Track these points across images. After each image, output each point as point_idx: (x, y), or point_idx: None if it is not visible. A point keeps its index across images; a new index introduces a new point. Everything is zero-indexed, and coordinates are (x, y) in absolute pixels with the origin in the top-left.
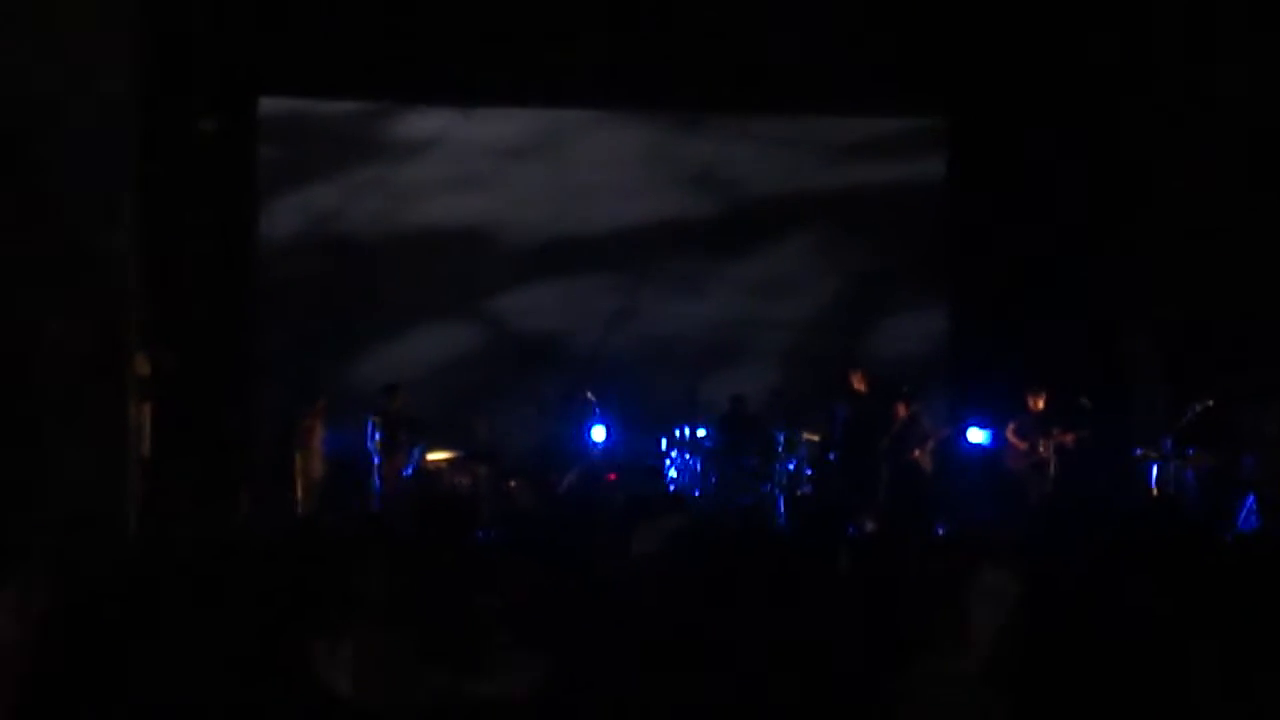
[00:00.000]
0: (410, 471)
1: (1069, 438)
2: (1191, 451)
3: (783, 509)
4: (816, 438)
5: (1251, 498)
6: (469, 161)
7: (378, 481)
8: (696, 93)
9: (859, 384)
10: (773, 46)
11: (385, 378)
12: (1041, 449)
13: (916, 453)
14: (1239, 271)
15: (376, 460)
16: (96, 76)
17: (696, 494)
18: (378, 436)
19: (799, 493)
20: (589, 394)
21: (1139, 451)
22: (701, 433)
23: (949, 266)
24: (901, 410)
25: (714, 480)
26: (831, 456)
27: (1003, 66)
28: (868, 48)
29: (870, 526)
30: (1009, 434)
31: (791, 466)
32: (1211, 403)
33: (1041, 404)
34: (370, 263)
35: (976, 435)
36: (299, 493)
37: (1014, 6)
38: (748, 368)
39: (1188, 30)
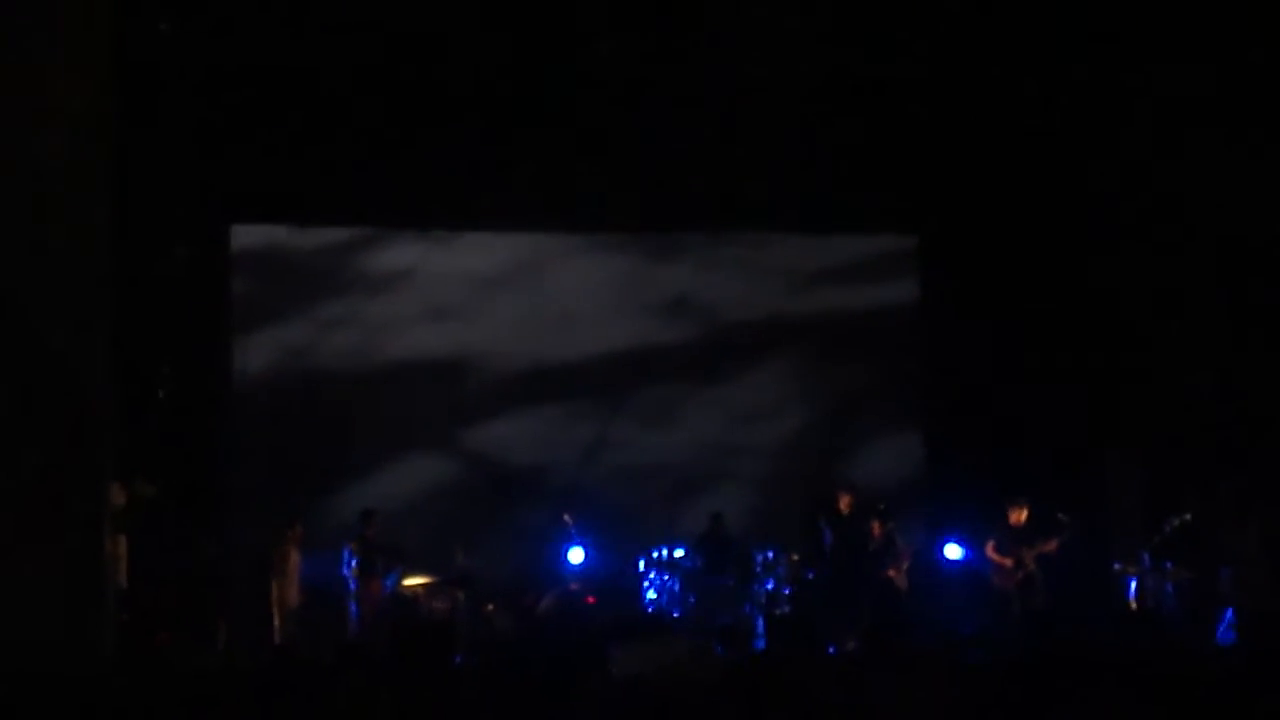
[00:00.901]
0: (387, 597)
1: (1052, 545)
2: (1170, 565)
3: (762, 629)
4: (796, 557)
5: (1229, 611)
6: (443, 293)
7: (354, 608)
8: (668, 215)
9: (845, 505)
10: (742, 167)
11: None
12: (1027, 562)
13: (892, 572)
14: (1212, 389)
15: (353, 587)
16: (70, 207)
17: (675, 614)
18: (354, 563)
19: (778, 612)
20: (566, 516)
21: (1118, 565)
22: (680, 553)
23: (922, 387)
24: (877, 529)
25: (693, 600)
26: (810, 575)
27: (972, 188)
28: (839, 167)
29: (851, 645)
30: (989, 552)
31: (770, 586)
32: (1189, 517)
33: (1025, 516)
34: (346, 395)
35: (954, 551)
36: (276, 621)
37: (986, 131)
38: (726, 493)
39: (1158, 154)
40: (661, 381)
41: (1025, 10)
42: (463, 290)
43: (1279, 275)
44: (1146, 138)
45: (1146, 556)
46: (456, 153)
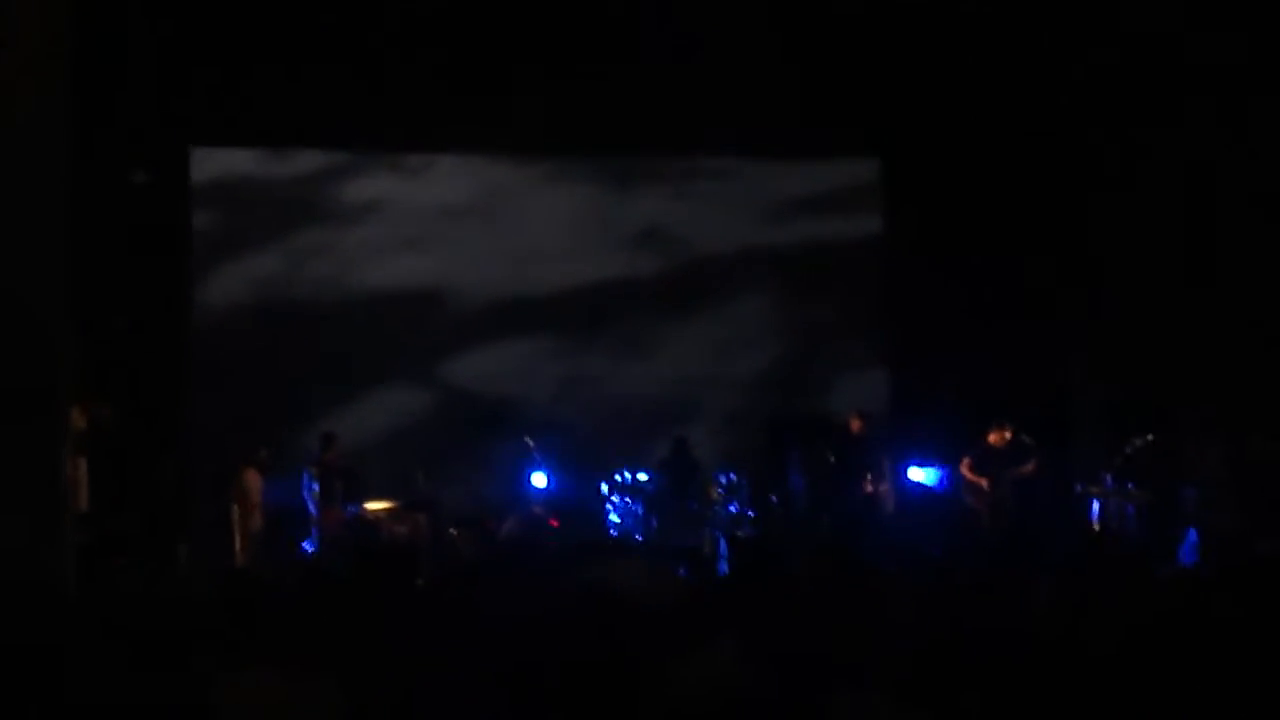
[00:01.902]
0: (348, 521)
1: (1030, 467)
2: (1132, 486)
3: (725, 551)
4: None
5: (1193, 532)
6: (411, 224)
7: (315, 532)
8: (633, 140)
9: (856, 427)
10: (706, 89)
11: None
12: (1003, 483)
13: (883, 487)
14: (1177, 308)
15: (313, 511)
16: (26, 132)
17: (638, 538)
18: (314, 487)
19: (740, 535)
20: (528, 440)
21: (1080, 487)
22: (643, 476)
23: (888, 316)
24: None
25: (655, 524)
26: (774, 499)
27: (938, 114)
28: (804, 92)
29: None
30: (964, 470)
31: (734, 509)
32: (1151, 438)
33: (1008, 436)
34: (313, 325)
35: (918, 474)
36: (238, 545)
37: (958, 54)
38: (698, 425)
39: (1127, 85)
40: (633, 314)
41: None
42: (432, 221)
43: (1242, 206)
44: (1116, 67)
45: (1109, 478)
46: (422, 76)
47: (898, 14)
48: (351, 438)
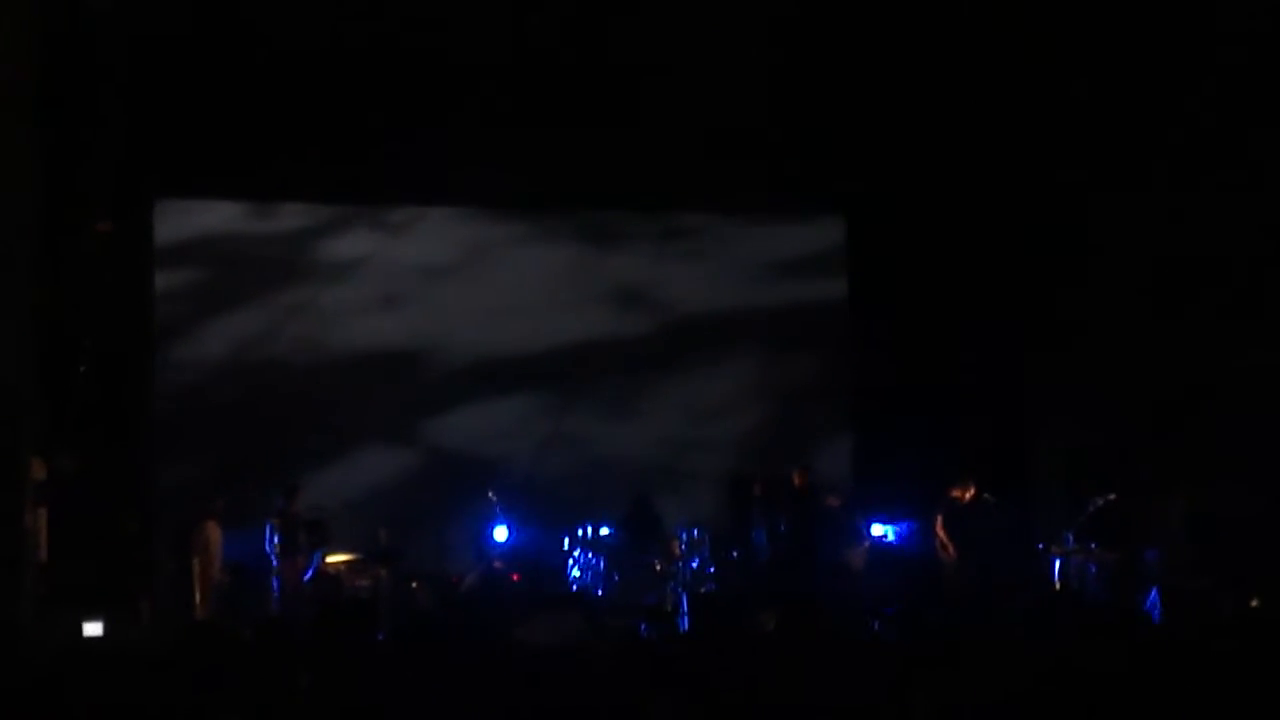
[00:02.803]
0: (310, 575)
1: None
2: (1094, 546)
3: (686, 607)
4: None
5: (1155, 591)
6: (393, 282)
7: (276, 584)
8: (610, 198)
9: (799, 481)
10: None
11: (306, 500)
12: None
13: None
14: (1138, 368)
15: (275, 563)
16: None
17: (599, 592)
18: (276, 540)
19: (702, 590)
20: (491, 494)
21: (1042, 545)
22: (605, 531)
23: (854, 376)
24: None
25: (617, 578)
26: (734, 554)
27: (901, 176)
28: (770, 152)
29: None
30: (939, 529)
31: (695, 564)
32: (1112, 497)
33: (970, 494)
34: (291, 382)
35: (879, 530)
36: (198, 597)
37: (919, 122)
38: (672, 485)
39: (1091, 157)
40: (613, 374)
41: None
42: (412, 280)
43: (1203, 267)
44: (1082, 139)
45: (1070, 537)
46: (394, 131)
47: (866, 80)
48: (326, 492)
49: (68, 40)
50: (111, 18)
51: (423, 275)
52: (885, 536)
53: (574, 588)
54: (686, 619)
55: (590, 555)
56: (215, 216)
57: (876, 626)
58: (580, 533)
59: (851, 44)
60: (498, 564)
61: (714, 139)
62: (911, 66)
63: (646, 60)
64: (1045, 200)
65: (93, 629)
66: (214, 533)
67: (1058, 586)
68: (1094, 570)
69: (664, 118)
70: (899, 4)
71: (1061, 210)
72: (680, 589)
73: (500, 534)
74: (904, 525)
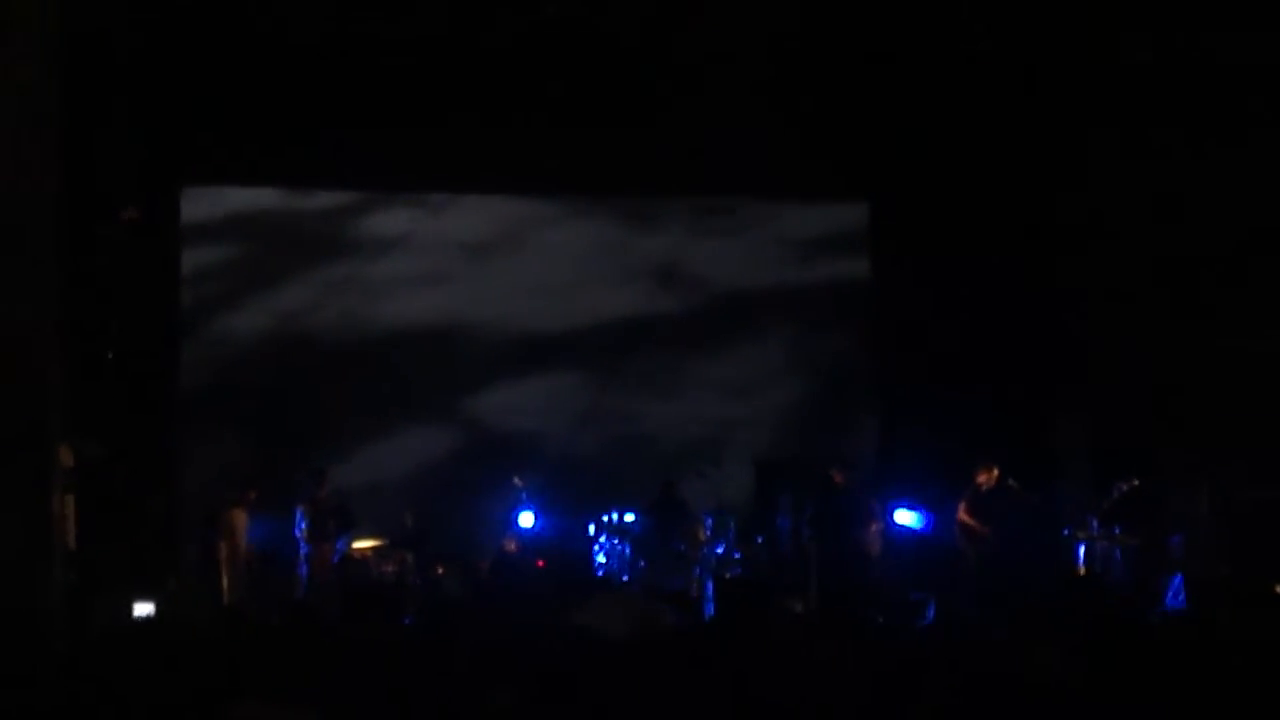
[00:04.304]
0: (337, 560)
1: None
2: (1119, 531)
3: (711, 593)
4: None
5: (1179, 577)
6: (433, 260)
7: (304, 570)
8: (643, 180)
9: (839, 478)
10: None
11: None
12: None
13: (872, 530)
14: (1163, 352)
15: (304, 549)
16: (18, 170)
17: (625, 579)
18: (304, 525)
19: (728, 576)
20: (516, 480)
21: (1067, 531)
22: (630, 517)
23: (878, 358)
24: (837, 477)
25: (643, 565)
26: (760, 540)
27: (925, 159)
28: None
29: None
30: (962, 514)
31: (720, 550)
32: (1137, 482)
33: (995, 477)
34: (309, 361)
35: (904, 517)
36: (225, 583)
37: (946, 101)
38: (708, 473)
39: (1122, 129)
40: (651, 351)
41: None
42: (452, 258)
43: (1229, 251)
44: (1110, 115)
45: (1095, 522)
46: (440, 120)
47: (887, 68)
48: (361, 473)
49: (93, 30)
50: (136, 7)
51: (461, 253)
52: (910, 525)
53: (599, 573)
54: (711, 604)
55: (616, 541)
56: (250, 194)
57: (894, 615)
58: (605, 519)
59: (877, 31)
60: (511, 546)
61: (746, 126)
62: (937, 52)
63: (680, 49)
64: (1071, 183)
65: (143, 609)
66: (240, 519)
67: (1082, 571)
68: (1118, 556)
69: (698, 108)
70: None
71: (1085, 194)
72: (706, 575)
73: (526, 519)
74: (929, 515)
